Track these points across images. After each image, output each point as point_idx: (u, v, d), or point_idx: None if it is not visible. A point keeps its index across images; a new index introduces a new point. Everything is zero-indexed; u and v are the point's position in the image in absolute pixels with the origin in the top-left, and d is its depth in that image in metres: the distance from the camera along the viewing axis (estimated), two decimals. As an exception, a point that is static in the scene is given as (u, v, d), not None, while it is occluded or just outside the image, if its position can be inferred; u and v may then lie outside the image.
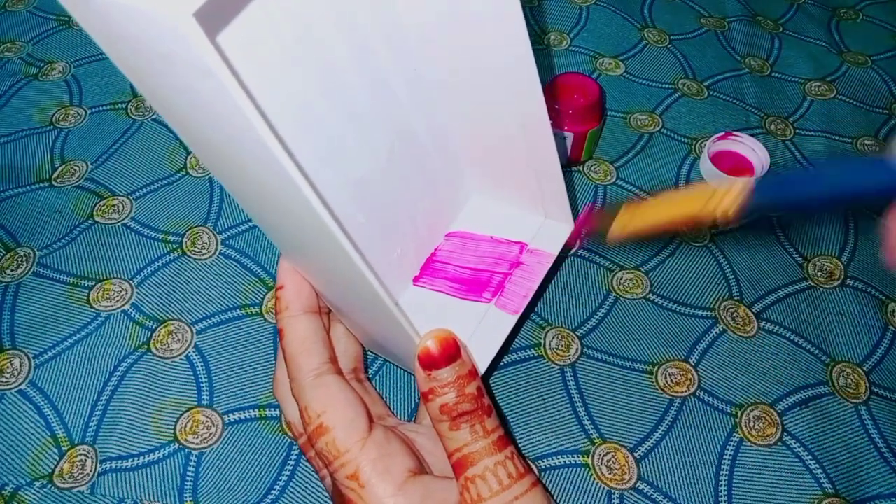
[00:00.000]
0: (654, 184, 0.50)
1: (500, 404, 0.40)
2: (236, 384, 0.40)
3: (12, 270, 0.44)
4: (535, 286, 0.37)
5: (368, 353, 0.41)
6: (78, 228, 0.46)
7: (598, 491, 0.37)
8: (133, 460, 0.38)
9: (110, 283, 0.44)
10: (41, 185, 0.49)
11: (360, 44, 0.31)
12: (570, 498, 0.37)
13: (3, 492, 0.36)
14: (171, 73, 0.22)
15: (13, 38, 0.58)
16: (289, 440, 0.39)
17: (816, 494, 0.37)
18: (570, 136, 0.47)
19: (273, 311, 0.43)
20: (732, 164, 0.50)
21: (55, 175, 0.49)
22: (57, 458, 0.38)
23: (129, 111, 0.53)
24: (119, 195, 0.48)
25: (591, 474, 0.38)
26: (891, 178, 0.20)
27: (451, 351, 0.29)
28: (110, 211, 0.47)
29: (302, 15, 0.28)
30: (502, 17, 0.28)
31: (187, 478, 0.37)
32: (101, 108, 0.53)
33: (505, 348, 0.41)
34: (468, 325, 0.36)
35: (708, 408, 0.40)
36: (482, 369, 0.34)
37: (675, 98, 0.55)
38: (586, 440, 0.39)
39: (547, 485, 0.38)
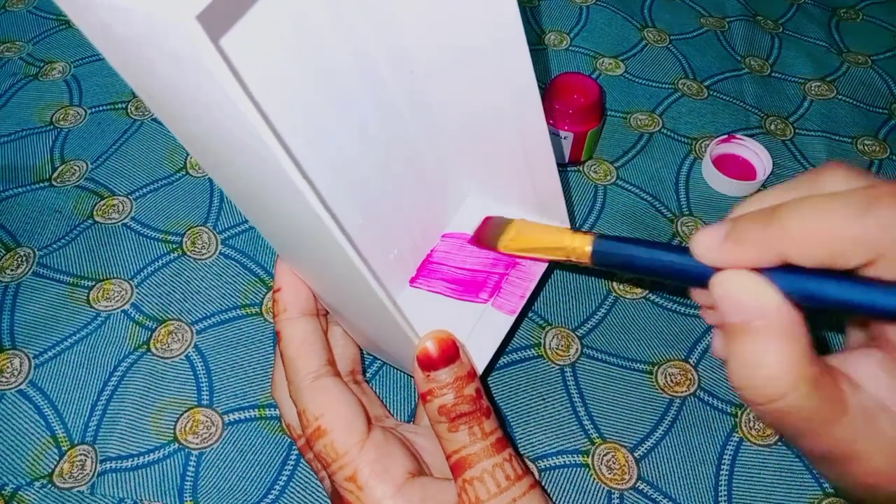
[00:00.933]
0: (654, 183, 0.50)
1: (500, 404, 0.40)
2: (236, 384, 0.40)
3: (12, 270, 0.44)
4: (532, 286, 0.37)
5: (366, 355, 0.41)
6: (78, 228, 0.46)
7: (598, 491, 0.37)
8: (133, 460, 0.38)
9: (110, 282, 0.44)
10: (41, 184, 0.49)
11: (358, 46, 0.31)
12: (570, 498, 0.37)
13: (3, 492, 0.36)
14: (173, 76, 0.22)
15: (13, 38, 0.58)
16: (289, 440, 0.39)
17: (816, 494, 0.37)
18: (570, 136, 0.47)
19: (272, 312, 0.43)
20: (737, 169, 0.50)
21: (55, 175, 0.49)
22: (57, 458, 0.38)
23: (129, 111, 0.53)
24: (119, 195, 0.48)
25: (591, 474, 0.38)
26: (694, 274, 0.23)
27: (450, 352, 0.29)
28: (110, 211, 0.47)
29: (302, 19, 0.28)
30: (500, 20, 0.28)
31: (187, 478, 0.37)
32: (101, 108, 0.53)
33: (502, 349, 0.41)
34: (465, 326, 0.36)
35: (708, 408, 0.40)
36: (479, 370, 0.34)
37: (675, 98, 0.55)
38: (586, 440, 0.39)
39: (547, 485, 0.38)
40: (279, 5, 0.27)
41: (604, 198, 0.49)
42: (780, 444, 0.39)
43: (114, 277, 0.44)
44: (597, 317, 0.43)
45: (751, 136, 0.52)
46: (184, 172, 0.49)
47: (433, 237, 0.40)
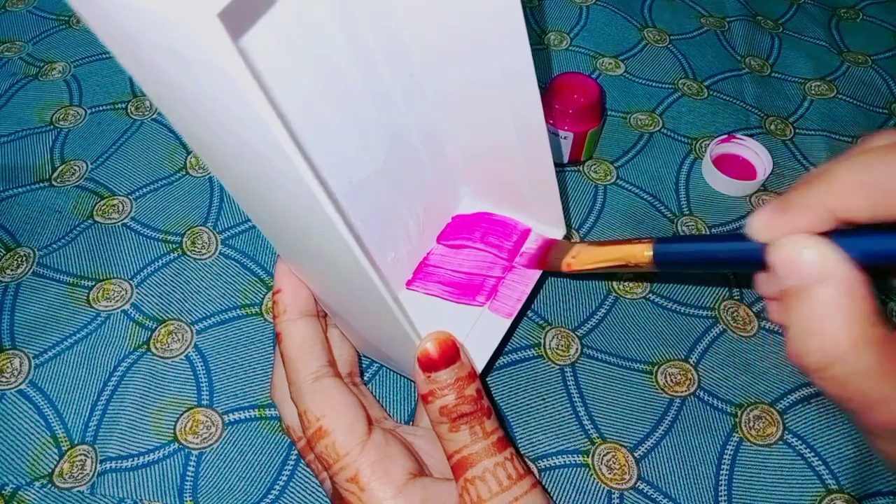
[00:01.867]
0: (654, 183, 0.50)
1: (500, 404, 0.40)
2: (236, 384, 0.40)
3: (12, 270, 0.44)
4: (529, 290, 0.37)
5: (364, 358, 0.41)
6: (78, 228, 0.46)
7: (598, 491, 0.37)
8: (133, 460, 0.38)
9: (110, 282, 0.44)
10: (41, 184, 0.49)
11: (361, 49, 0.31)
12: (570, 498, 0.37)
13: (3, 492, 0.36)
14: (183, 76, 0.22)
15: (13, 38, 0.58)
16: (289, 440, 0.39)
17: (819, 491, 0.37)
18: (570, 136, 0.47)
19: (272, 313, 0.43)
20: (737, 169, 0.50)
21: (55, 175, 0.49)
22: (57, 458, 0.38)
23: (129, 111, 0.53)
24: (119, 195, 0.48)
25: (591, 474, 0.38)
26: (752, 255, 0.22)
27: (451, 353, 0.29)
28: (110, 211, 0.47)
29: (307, 22, 0.28)
30: (503, 24, 0.28)
31: (187, 478, 0.37)
32: (100, 108, 0.53)
33: (499, 352, 0.41)
34: (462, 329, 0.36)
35: (708, 407, 0.40)
36: (480, 366, 0.34)
37: (675, 98, 0.55)
38: (586, 440, 0.39)
39: (547, 485, 0.38)
40: (285, 8, 0.27)
41: (604, 198, 0.49)
42: (780, 443, 0.39)
43: (114, 277, 0.44)
44: (597, 317, 0.43)
45: (751, 135, 0.52)
46: (184, 172, 0.49)
47: (430, 240, 0.40)
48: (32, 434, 0.38)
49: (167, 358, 0.41)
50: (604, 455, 0.38)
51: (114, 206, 0.48)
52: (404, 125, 0.35)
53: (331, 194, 0.24)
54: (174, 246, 0.46)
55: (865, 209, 0.20)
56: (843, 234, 0.20)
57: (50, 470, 0.37)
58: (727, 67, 0.58)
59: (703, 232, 0.47)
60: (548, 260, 0.37)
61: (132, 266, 0.45)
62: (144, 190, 0.48)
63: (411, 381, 0.40)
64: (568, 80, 0.48)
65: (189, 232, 0.46)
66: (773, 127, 0.54)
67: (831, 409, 0.40)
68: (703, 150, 0.52)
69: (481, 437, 0.29)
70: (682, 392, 0.40)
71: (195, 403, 0.40)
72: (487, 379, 0.41)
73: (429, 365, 0.29)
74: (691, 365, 0.41)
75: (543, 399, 0.40)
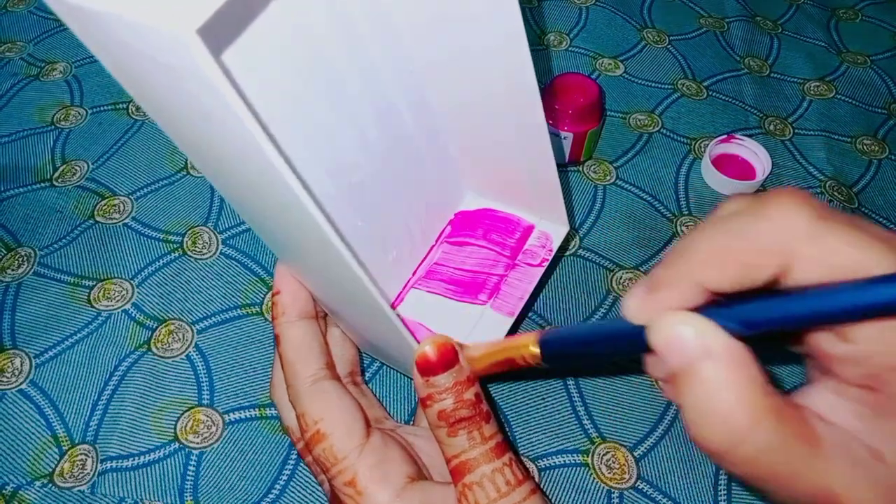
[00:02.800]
0: (654, 183, 0.50)
1: (500, 404, 0.40)
2: (237, 383, 0.40)
3: (13, 270, 0.44)
4: (531, 288, 0.37)
5: (365, 356, 0.41)
6: (79, 228, 0.46)
7: (598, 490, 0.37)
8: (133, 460, 0.38)
9: (111, 282, 0.44)
10: (42, 184, 0.49)
11: (359, 49, 0.31)
12: (569, 497, 0.37)
13: (4, 491, 0.37)
14: (171, 86, 0.22)
15: (14, 38, 0.58)
16: (289, 440, 0.39)
17: (816, 493, 0.37)
18: (569, 137, 0.47)
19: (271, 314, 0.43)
20: (736, 169, 0.50)
21: (56, 175, 0.49)
22: (57, 458, 0.38)
23: (129, 111, 0.53)
24: (120, 195, 0.48)
25: (591, 474, 0.38)
26: (633, 339, 0.21)
27: (449, 357, 0.29)
28: (111, 211, 0.47)
29: (302, 23, 0.28)
30: (501, 21, 0.28)
31: (188, 477, 0.37)
32: (101, 108, 0.53)
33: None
34: (464, 328, 0.36)
35: (707, 407, 0.40)
36: None
37: (674, 98, 0.55)
38: (586, 440, 0.39)
39: (547, 484, 0.38)
40: (280, 9, 0.27)
41: (603, 198, 0.49)
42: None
43: (114, 277, 0.44)
44: (597, 316, 0.43)
45: (750, 136, 0.52)
46: (184, 172, 0.49)
47: (432, 237, 0.40)
48: (33, 434, 0.38)
49: (168, 357, 0.41)
50: (603, 455, 0.38)
51: (115, 206, 0.48)
52: (405, 124, 0.35)
53: (321, 200, 0.24)
54: (175, 246, 0.46)
55: (728, 279, 0.19)
56: (719, 306, 0.19)
57: (50, 469, 0.37)
58: (726, 68, 0.58)
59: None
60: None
61: (133, 266, 0.45)
62: (145, 190, 0.49)
63: (412, 379, 0.40)
64: (567, 81, 0.48)
65: (190, 232, 0.46)
66: (772, 127, 0.54)
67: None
68: (703, 150, 0.52)
69: (479, 442, 0.28)
70: (681, 391, 0.40)
71: (196, 403, 0.40)
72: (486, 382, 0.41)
73: (427, 369, 0.29)
74: (691, 364, 0.41)
75: (543, 399, 0.40)
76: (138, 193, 0.48)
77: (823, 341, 0.20)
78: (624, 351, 0.23)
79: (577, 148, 0.48)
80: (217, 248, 0.46)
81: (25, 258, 0.45)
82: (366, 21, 0.31)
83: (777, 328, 0.19)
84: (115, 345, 0.41)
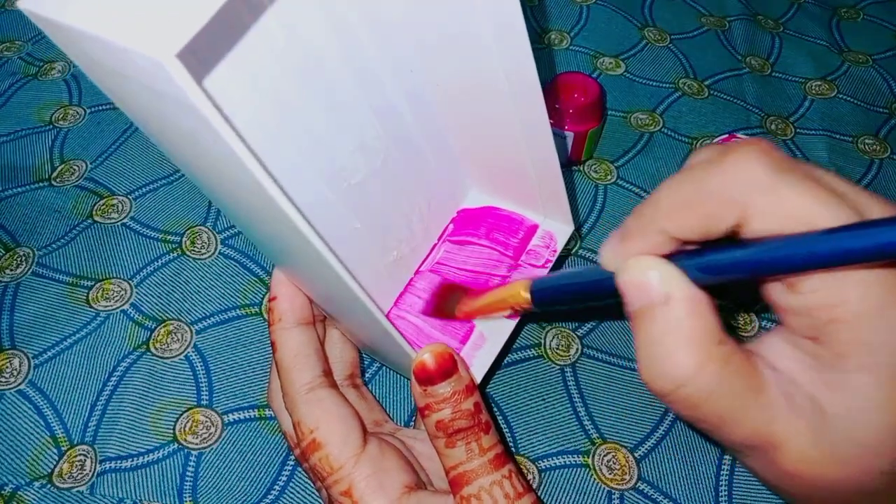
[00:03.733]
0: (655, 183, 0.50)
1: (500, 404, 0.40)
2: (236, 384, 0.40)
3: (11, 270, 0.44)
4: None
5: (365, 356, 0.40)
6: (77, 228, 0.46)
7: (599, 491, 0.37)
8: (132, 460, 0.38)
9: (109, 282, 0.44)
10: (40, 184, 0.49)
11: (356, 50, 0.31)
12: (570, 498, 0.37)
13: (3, 492, 0.36)
14: (154, 106, 0.21)
15: (12, 38, 0.58)
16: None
17: (817, 495, 0.37)
18: (570, 136, 0.47)
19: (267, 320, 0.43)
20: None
21: (54, 174, 0.49)
22: (56, 458, 0.37)
23: (128, 110, 0.53)
24: (118, 195, 0.48)
25: (592, 474, 0.38)
26: (607, 284, 0.22)
27: (448, 366, 0.29)
28: (109, 210, 0.47)
29: (296, 27, 0.28)
30: (503, 17, 0.28)
31: (187, 478, 0.37)
32: (100, 108, 0.53)
33: (505, 352, 0.40)
34: (466, 328, 0.36)
35: (708, 408, 0.40)
36: (481, 373, 0.34)
37: (675, 97, 0.55)
38: (586, 440, 0.39)
39: (547, 485, 0.38)
40: (273, 17, 0.26)
41: (604, 197, 0.49)
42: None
43: (113, 277, 0.44)
44: (597, 316, 0.43)
45: (751, 135, 0.51)
46: (183, 172, 0.49)
47: (434, 236, 0.40)
48: (32, 434, 0.38)
49: (167, 358, 0.41)
50: (604, 455, 0.38)
51: (113, 205, 0.47)
52: (405, 123, 0.35)
53: (317, 215, 0.24)
54: (174, 246, 0.46)
55: (690, 229, 0.20)
56: (685, 254, 0.20)
57: (49, 470, 0.37)
58: (728, 67, 0.58)
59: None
60: (441, 309, 0.36)
61: (131, 266, 0.45)
62: (144, 189, 0.48)
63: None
64: (568, 80, 0.48)
65: (188, 232, 0.46)
66: (773, 126, 0.54)
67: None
68: (704, 149, 0.52)
69: (478, 453, 0.28)
70: (682, 392, 0.40)
71: (195, 403, 0.39)
72: (490, 381, 0.41)
73: (425, 378, 0.28)
74: (692, 365, 0.41)
75: (543, 399, 0.40)
76: (137, 193, 0.48)
77: (776, 292, 0.20)
78: (601, 295, 0.24)
79: (578, 147, 0.48)
80: (216, 248, 0.46)
81: (24, 258, 0.45)
82: (362, 22, 0.30)
83: (731, 277, 0.20)
84: (113, 345, 0.41)
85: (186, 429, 0.39)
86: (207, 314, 0.43)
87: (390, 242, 0.36)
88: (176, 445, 0.38)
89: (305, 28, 0.28)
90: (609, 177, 0.50)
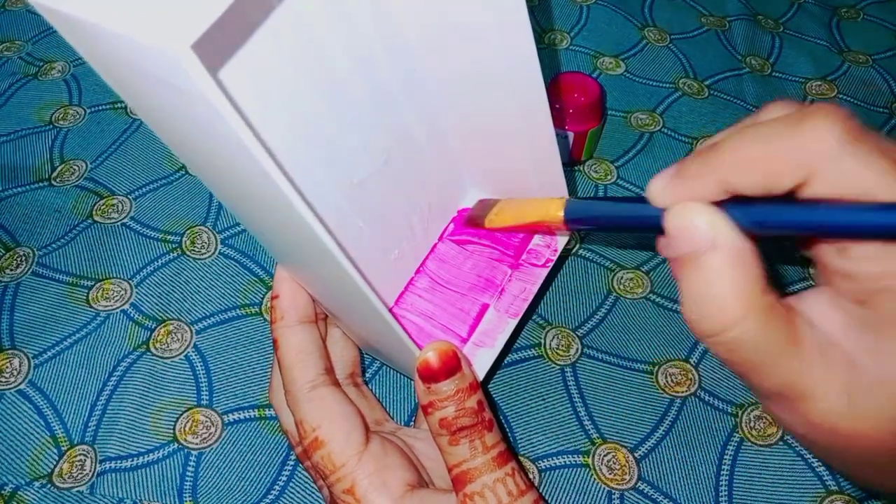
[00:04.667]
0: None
1: (500, 404, 0.40)
2: (236, 384, 0.40)
3: (11, 270, 0.44)
4: (535, 289, 0.37)
5: (365, 355, 0.40)
6: (77, 228, 0.46)
7: (599, 491, 0.37)
8: (132, 460, 0.38)
9: (109, 282, 0.44)
10: (40, 184, 0.49)
11: (360, 48, 0.31)
12: (570, 498, 0.37)
13: (3, 492, 0.36)
14: (166, 98, 0.21)
15: (12, 37, 0.58)
16: (289, 441, 0.38)
17: (819, 492, 0.37)
18: (570, 136, 0.47)
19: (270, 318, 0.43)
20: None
21: (54, 174, 0.49)
22: (56, 458, 0.37)
23: (128, 110, 0.53)
24: (118, 194, 0.48)
25: (592, 474, 0.38)
26: (651, 219, 0.23)
27: (452, 364, 0.29)
28: (109, 210, 0.47)
29: (302, 25, 0.28)
30: (507, 16, 0.28)
31: (187, 478, 0.37)
32: (100, 108, 0.53)
33: (506, 351, 0.40)
34: (466, 329, 0.36)
35: (708, 408, 0.40)
36: (483, 372, 0.34)
37: (675, 97, 0.55)
38: (586, 440, 0.39)
39: (547, 485, 0.38)
40: (282, 15, 0.26)
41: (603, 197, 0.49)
42: (781, 443, 0.39)
43: (113, 277, 0.44)
44: (597, 317, 0.43)
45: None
46: (183, 172, 0.49)
47: (435, 236, 0.40)
48: (32, 434, 0.38)
49: (167, 358, 0.41)
50: (604, 455, 0.38)
51: (113, 205, 0.47)
52: (407, 122, 0.35)
53: (322, 213, 0.24)
54: (174, 246, 0.46)
55: (751, 184, 0.20)
56: (736, 203, 0.21)
57: (49, 470, 0.37)
58: (728, 67, 0.58)
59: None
60: (474, 217, 0.36)
61: (131, 266, 0.45)
62: (144, 189, 0.48)
63: (413, 380, 0.40)
64: (568, 80, 0.48)
65: (188, 231, 0.46)
66: (773, 126, 0.53)
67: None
68: (704, 149, 0.52)
69: (481, 451, 0.28)
70: (682, 392, 0.40)
71: (195, 403, 0.39)
72: (491, 381, 0.41)
73: (429, 376, 0.28)
74: (692, 365, 0.41)
75: (543, 399, 0.40)
76: (137, 193, 0.48)
77: (827, 254, 0.21)
78: (640, 228, 0.25)
79: (578, 147, 0.48)
80: (216, 248, 0.46)
81: (24, 258, 0.45)
82: (368, 21, 0.30)
83: (785, 232, 0.20)
84: (113, 345, 0.41)
85: (186, 429, 0.39)
86: (207, 314, 0.43)
87: (391, 241, 0.36)
88: (176, 445, 0.38)
89: (313, 26, 0.28)
90: (609, 177, 0.50)
